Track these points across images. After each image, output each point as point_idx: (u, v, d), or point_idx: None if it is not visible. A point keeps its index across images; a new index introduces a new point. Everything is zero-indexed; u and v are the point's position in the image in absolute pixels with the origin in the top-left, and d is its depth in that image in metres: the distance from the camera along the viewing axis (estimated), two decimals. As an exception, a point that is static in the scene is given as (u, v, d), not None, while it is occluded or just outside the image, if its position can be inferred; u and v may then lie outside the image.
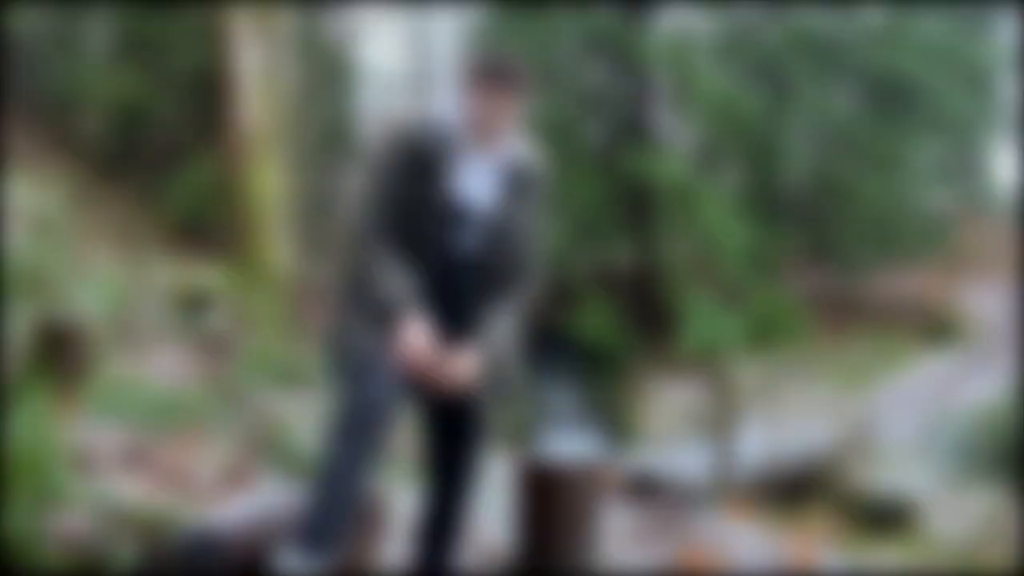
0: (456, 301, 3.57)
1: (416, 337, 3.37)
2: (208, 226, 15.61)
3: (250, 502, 3.79)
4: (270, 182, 11.53)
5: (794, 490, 12.31)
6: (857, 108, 26.64)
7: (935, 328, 23.07)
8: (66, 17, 22.06)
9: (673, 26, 29.13)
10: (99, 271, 8.76)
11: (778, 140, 21.31)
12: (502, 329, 3.61)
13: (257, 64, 11.38)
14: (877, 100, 25.19)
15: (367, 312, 3.46)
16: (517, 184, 3.62)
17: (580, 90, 25.50)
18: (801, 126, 26.64)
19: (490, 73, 3.53)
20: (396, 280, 3.42)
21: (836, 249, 24.43)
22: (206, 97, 19.19)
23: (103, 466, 4.84)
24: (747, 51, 23.88)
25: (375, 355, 3.36)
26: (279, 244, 12.15)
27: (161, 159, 19.64)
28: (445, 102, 3.76)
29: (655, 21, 25.24)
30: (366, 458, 3.30)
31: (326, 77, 26.10)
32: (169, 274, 8.24)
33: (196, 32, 9.11)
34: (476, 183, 3.56)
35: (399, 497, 5.94)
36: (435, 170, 3.51)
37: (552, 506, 4.22)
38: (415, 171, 3.50)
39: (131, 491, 4.37)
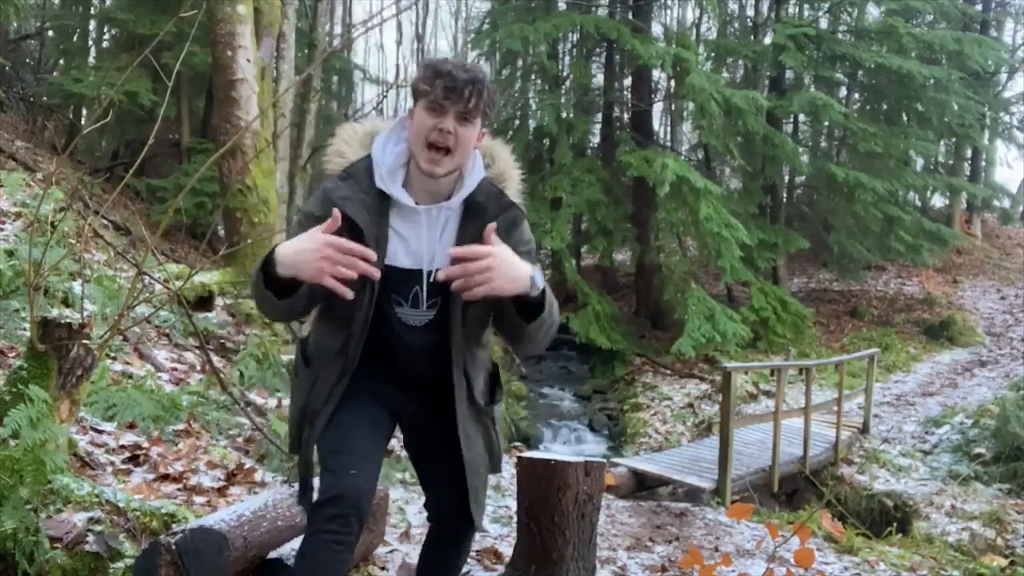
0: (420, 377, 3.13)
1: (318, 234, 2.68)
2: (208, 225, 15.64)
3: (250, 502, 3.79)
4: (270, 182, 11.53)
5: (794, 490, 12.33)
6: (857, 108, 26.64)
7: (935, 328, 23.10)
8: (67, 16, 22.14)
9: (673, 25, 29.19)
10: (99, 271, 8.76)
11: (777, 139, 21.25)
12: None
13: (257, 64, 11.37)
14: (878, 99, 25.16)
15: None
16: (477, 228, 2.88)
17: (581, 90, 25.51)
18: (801, 125, 26.66)
19: (441, 86, 2.80)
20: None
21: (836, 249, 24.44)
22: (206, 97, 19.25)
23: (103, 466, 4.84)
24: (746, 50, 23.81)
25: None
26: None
27: (162, 159, 19.67)
28: (386, 128, 3.05)
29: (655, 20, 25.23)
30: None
31: (327, 76, 26.15)
32: (169, 273, 8.23)
33: (196, 32, 9.11)
34: (424, 235, 2.96)
35: (400, 496, 5.95)
36: (350, 221, 2.81)
37: (552, 504, 4.22)
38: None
39: (131, 491, 4.37)
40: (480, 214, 2.95)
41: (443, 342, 3.00)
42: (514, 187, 3.10)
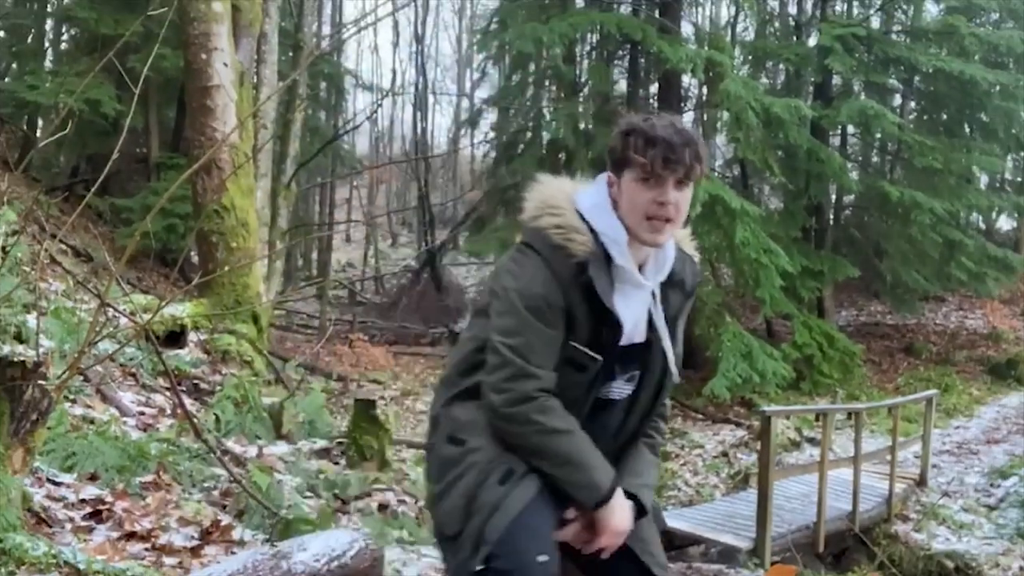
0: (600, 444, 2.99)
1: (624, 519, 2.97)
2: (179, 251, 15.67)
3: (227, 563, 3.80)
4: (249, 202, 11.56)
5: (842, 550, 12.28)
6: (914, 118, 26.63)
7: (1002, 367, 23.01)
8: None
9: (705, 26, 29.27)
10: (57, 302, 8.78)
11: (823, 153, 21.24)
12: (652, 468, 3.27)
13: (236, 68, 11.43)
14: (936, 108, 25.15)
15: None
16: (680, 299, 3.10)
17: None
18: (850, 137, 26.65)
19: (660, 157, 2.79)
20: (583, 446, 2.89)
21: (889, 278, 24.37)
22: (178, 106, 19.33)
23: (61, 523, 4.85)
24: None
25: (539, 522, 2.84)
26: (259, 271, 12.18)
27: (128, 176, 19.72)
28: (590, 196, 3.00)
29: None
30: None
31: (314, 82, 26.23)
32: (136, 305, 8.25)
33: (167, 32, 9.18)
34: (635, 308, 2.96)
35: (396, 556, 5.95)
36: (594, 307, 2.86)
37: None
38: (570, 309, 2.85)
39: (93, 551, 4.38)
40: (679, 284, 3.07)
41: (630, 412, 3.17)
42: (689, 243, 3.18)
